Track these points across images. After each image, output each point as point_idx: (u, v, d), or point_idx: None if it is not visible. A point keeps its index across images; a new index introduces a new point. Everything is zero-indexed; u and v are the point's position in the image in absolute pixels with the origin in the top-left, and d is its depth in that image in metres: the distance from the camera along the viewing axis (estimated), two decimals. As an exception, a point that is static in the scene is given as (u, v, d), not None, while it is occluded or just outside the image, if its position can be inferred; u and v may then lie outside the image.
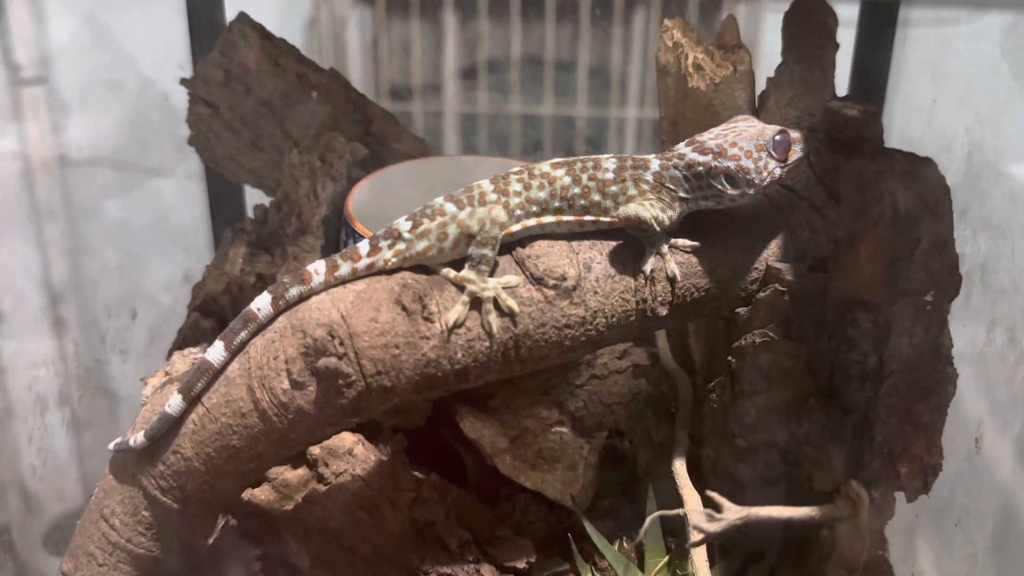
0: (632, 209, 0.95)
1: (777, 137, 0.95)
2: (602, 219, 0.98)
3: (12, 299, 1.63)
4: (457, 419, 1.25)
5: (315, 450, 1.17)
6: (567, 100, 2.04)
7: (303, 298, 0.95)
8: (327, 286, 0.96)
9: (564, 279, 0.96)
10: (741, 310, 1.01)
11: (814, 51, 1.16)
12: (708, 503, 1.03)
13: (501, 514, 1.24)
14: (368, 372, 0.93)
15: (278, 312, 0.96)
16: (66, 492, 1.64)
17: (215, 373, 0.96)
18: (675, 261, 0.97)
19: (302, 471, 1.17)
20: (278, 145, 1.55)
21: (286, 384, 0.93)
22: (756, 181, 0.95)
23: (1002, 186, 1.33)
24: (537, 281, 0.96)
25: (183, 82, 1.54)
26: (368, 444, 1.20)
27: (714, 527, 1.01)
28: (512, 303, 0.94)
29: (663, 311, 0.98)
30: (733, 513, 1.00)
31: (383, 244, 0.97)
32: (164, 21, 1.68)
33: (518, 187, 0.97)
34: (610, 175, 0.97)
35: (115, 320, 1.76)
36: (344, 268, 0.96)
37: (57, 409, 1.64)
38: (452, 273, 0.96)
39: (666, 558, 1.15)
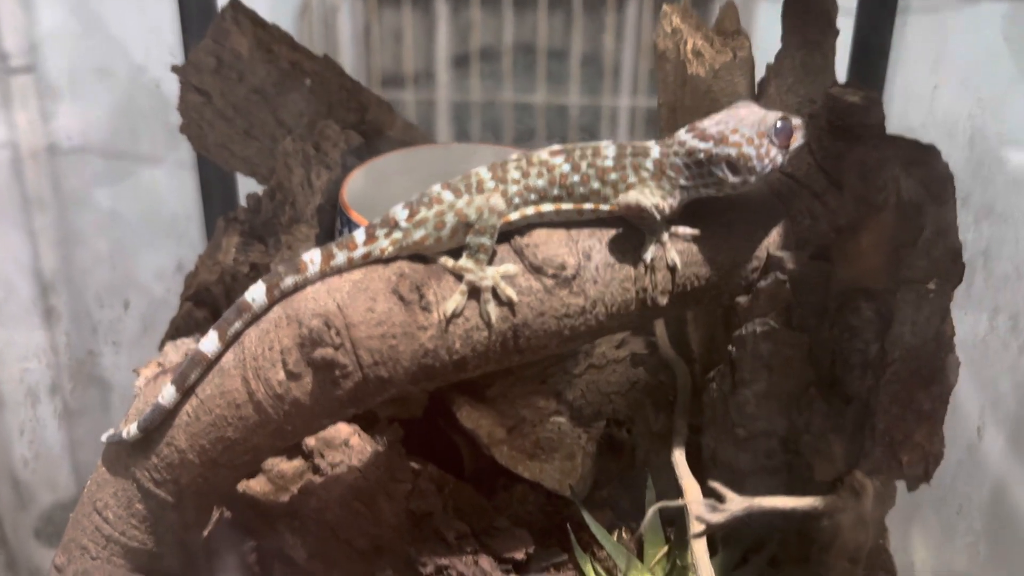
0: (632, 197, 0.94)
1: (779, 123, 0.94)
2: (601, 207, 0.96)
3: (2, 290, 1.62)
4: (454, 409, 1.24)
5: (311, 441, 1.16)
6: (560, 88, 2.03)
7: (298, 288, 0.94)
8: (323, 275, 0.94)
9: (563, 268, 0.94)
10: (741, 299, 1.00)
11: (815, 37, 1.14)
12: (710, 493, 1.02)
13: (499, 505, 1.24)
14: (365, 363, 0.92)
15: (273, 302, 0.94)
16: (58, 484, 1.64)
17: (209, 364, 0.95)
18: (676, 249, 0.96)
19: (298, 462, 1.17)
20: (271, 133, 1.53)
21: (281, 375, 0.92)
22: (758, 168, 0.93)
23: (1005, 172, 1.32)
24: (536, 270, 0.94)
25: (174, 69, 1.53)
26: (364, 435, 1.19)
27: (717, 518, 1.00)
28: (511, 292, 0.93)
29: (663, 300, 0.97)
30: (736, 503, 1.00)
31: (379, 233, 0.95)
32: (155, 7, 1.66)
33: (516, 175, 0.96)
34: (609, 162, 0.96)
35: (107, 310, 1.74)
36: (340, 257, 0.95)
37: (49, 400, 1.63)
38: (450, 262, 0.94)
39: (665, 548, 1.15)
